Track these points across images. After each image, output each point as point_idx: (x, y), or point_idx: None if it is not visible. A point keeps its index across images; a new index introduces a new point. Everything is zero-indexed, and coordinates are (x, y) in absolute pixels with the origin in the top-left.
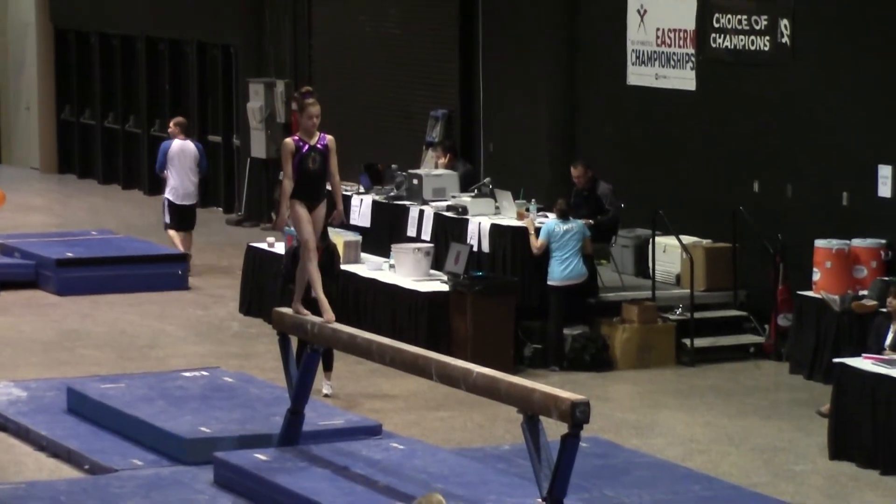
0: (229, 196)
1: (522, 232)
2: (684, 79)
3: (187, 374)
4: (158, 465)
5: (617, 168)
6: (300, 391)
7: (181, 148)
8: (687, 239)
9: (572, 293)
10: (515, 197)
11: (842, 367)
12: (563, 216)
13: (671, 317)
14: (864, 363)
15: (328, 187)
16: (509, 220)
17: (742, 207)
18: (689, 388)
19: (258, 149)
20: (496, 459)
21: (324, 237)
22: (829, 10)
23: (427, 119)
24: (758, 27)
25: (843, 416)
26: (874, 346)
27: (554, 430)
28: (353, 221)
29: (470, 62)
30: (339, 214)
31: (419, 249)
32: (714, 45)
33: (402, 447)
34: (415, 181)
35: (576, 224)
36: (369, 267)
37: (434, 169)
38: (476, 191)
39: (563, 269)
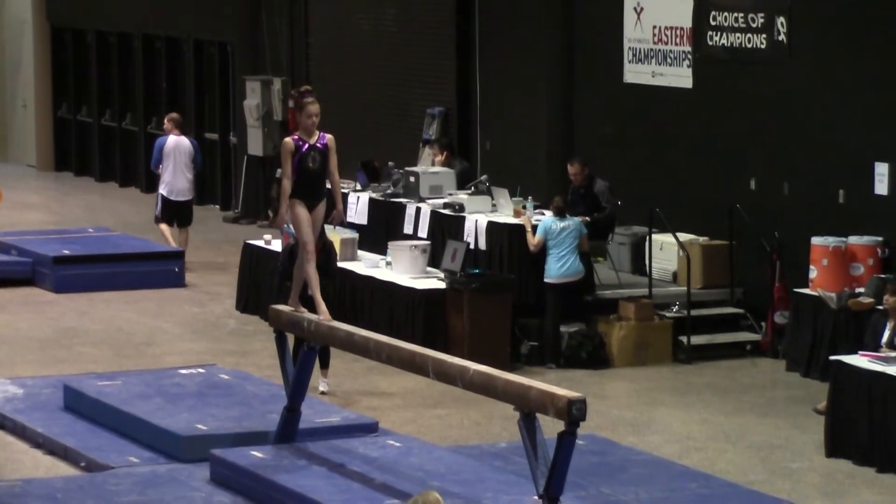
0: (226, 193)
1: (519, 229)
2: (681, 76)
3: (184, 371)
4: (155, 463)
5: (614, 165)
6: (297, 388)
7: (176, 144)
8: (684, 236)
9: (569, 290)
10: (512, 194)
11: (838, 364)
12: (560, 214)
13: (668, 314)
14: (860, 361)
15: (328, 186)
16: (506, 217)
17: (739, 205)
18: (685, 385)
19: (255, 146)
20: (493, 457)
21: (320, 235)
22: (825, 8)
23: (424, 116)
24: (754, 25)
25: (840, 413)
26: (871, 344)
27: (550, 427)
28: (349, 219)
29: (467, 60)
30: (338, 214)
31: (416, 247)
32: (711, 43)
33: (398, 445)
34: (412, 179)
35: (573, 221)
36: (366, 264)
37: (431, 166)
38: (473, 188)
39: (559, 267)
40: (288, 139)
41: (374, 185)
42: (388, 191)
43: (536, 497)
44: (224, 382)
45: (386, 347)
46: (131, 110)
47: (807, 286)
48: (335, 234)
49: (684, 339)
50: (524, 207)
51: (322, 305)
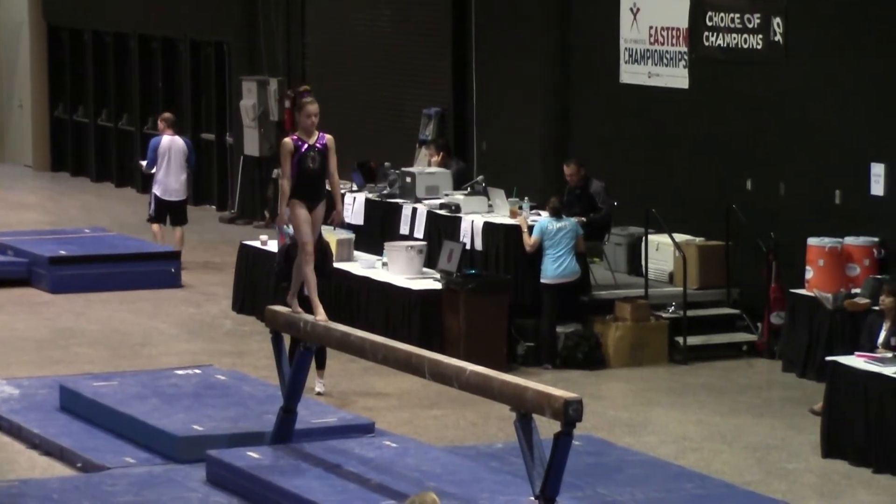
0: (222, 194)
1: (515, 230)
2: (677, 77)
3: (180, 371)
4: (151, 464)
5: (610, 166)
6: (293, 389)
7: (170, 144)
8: (680, 237)
9: (565, 291)
10: (508, 195)
11: (834, 365)
12: (556, 214)
13: (664, 315)
14: (856, 361)
15: (327, 187)
16: (502, 218)
17: (735, 205)
18: (681, 386)
19: (251, 147)
20: (489, 457)
21: (318, 236)
22: (821, 9)
23: (420, 117)
24: (750, 25)
25: (836, 414)
26: (867, 345)
27: (547, 428)
28: (345, 219)
29: (463, 60)
30: (338, 215)
31: (412, 247)
32: (707, 44)
33: (394, 445)
34: (408, 179)
35: (569, 222)
36: (362, 265)
37: (427, 167)
38: (469, 189)
39: (556, 267)
40: (287, 139)
41: (371, 186)
42: (385, 191)
43: (533, 498)
44: (220, 383)
45: (382, 348)
46: (128, 110)
47: (803, 287)
48: (331, 235)
49: (680, 339)
50: (520, 208)
51: (319, 307)
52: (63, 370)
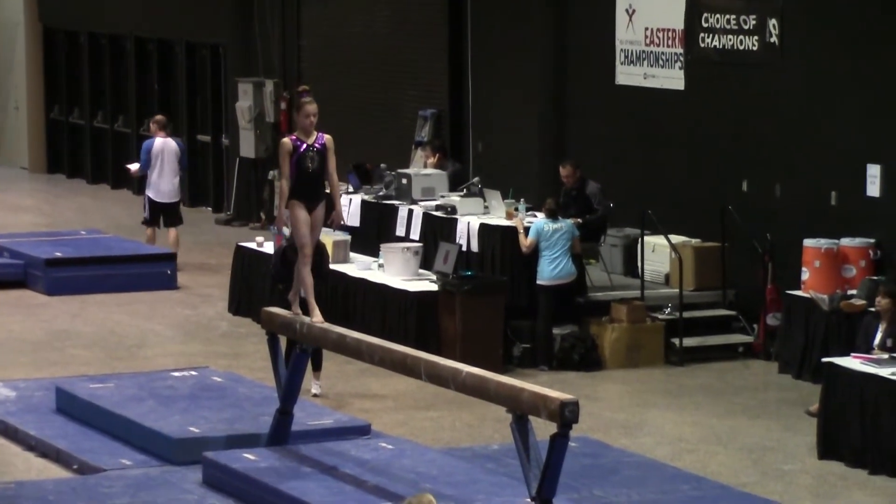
0: (218, 196)
1: (511, 231)
2: (673, 78)
3: (176, 373)
4: (147, 465)
5: (606, 167)
6: (289, 391)
7: (163, 146)
8: (676, 238)
9: (561, 292)
10: (504, 196)
11: (830, 366)
12: (552, 215)
13: (660, 316)
14: (852, 363)
15: (326, 188)
16: (498, 219)
17: (731, 207)
18: (677, 387)
19: (247, 148)
20: (485, 459)
21: None
22: (817, 10)
23: (416, 118)
24: (746, 27)
25: (832, 415)
26: (863, 346)
27: (543, 429)
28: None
29: (459, 62)
30: (338, 215)
31: (408, 249)
32: (702, 45)
33: (390, 447)
34: (404, 181)
35: (565, 223)
36: (358, 266)
37: (423, 168)
38: (465, 190)
39: (552, 269)
40: (286, 139)
41: (367, 187)
42: (381, 193)
43: (529, 499)
44: (216, 385)
45: (378, 350)
46: (123, 112)
47: (799, 288)
48: (328, 237)
49: (676, 341)
50: (516, 209)
51: (315, 309)
52: (59, 372)
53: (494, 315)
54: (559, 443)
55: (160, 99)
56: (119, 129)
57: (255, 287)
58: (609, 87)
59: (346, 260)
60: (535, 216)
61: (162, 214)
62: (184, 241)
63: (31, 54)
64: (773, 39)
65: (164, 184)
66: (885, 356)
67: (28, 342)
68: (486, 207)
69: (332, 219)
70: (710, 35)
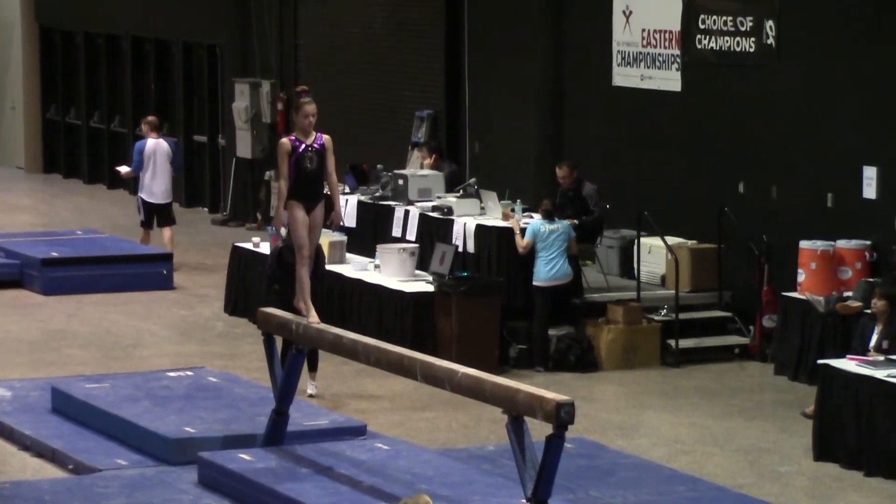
0: (214, 196)
1: (508, 232)
2: (670, 80)
3: (172, 374)
4: (143, 465)
5: (602, 169)
6: (285, 391)
7: (155, 146)
8: (672, 240)
9: (557, 294)
10: (501, 197)
11: (826, 368)
12: (549, 217)
13: (656, 317)
14: (848, 364)
15: (325, 189)
16: (495, 220)
17: (727, 208)
18: (673, 388)
19: (244, 149)
20: (481, 460)
21: None
22: (814, 12)
23: (413, 119)
24: (743, 28)
25: (828, 417)
26: (859, 348)
27: (539, 430)
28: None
29: (456, 62)
30: (337, 216)
31: (404, 250)
32: (699, 47)
33: (386, 448)
34: (400, 181)
35: (561, 224)
36: (354, 267)
37: (419, 169)
38: (461, 191)
39: (548, 270)
40: (284, 139)
41: (363, 188)
42: (377, 193)
43: (525, 500)
44: (212, 385)
45: (374, 350)
46: (120, 112)
47: (795, 290)
48: (323, 237)
49: (672, 342)
50: (513, 210)
51: (312, 310)
52: (55, 372)
53: (490, 316)
54: (555, 444)
55: (157, 99)
56: (115, 129)
57: (251, 287)
58: (606, 89)
59: (342, 260)
60: (532, 217)
61: (155, 215)
62: (180, 242)
63: (27, 54)
64: (770, 41)
65: (156, 185)
66: (881, 358)
67: (24, 342)
68: (482, 208)
69: (331, 219)
70: (707, 36)
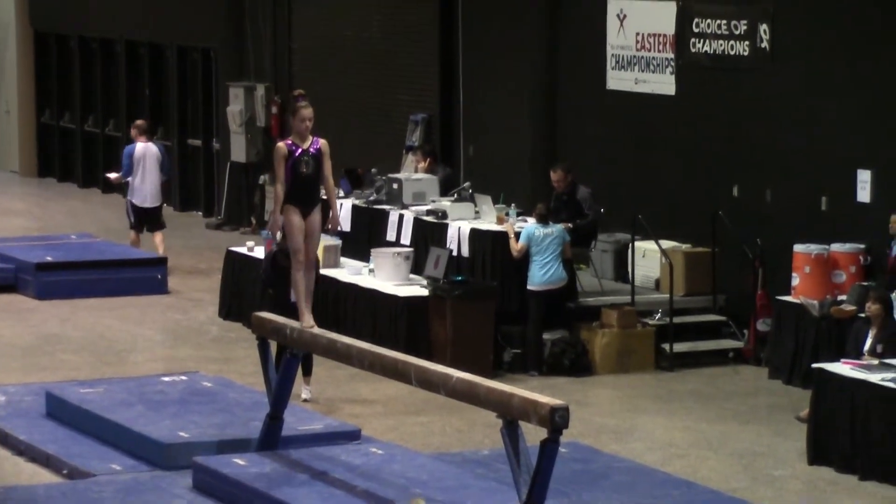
0: (209, 200)
1: (502, 236)
2: (664, 83)
3: (166, 378)
4: (137, 470)
5: (597, 172)
6: (279, 396)
7: (144, 150)
8: (666, 243)
9: (552, 298)
10: (495, 201)
11: (821, 372)
12: (543, 220)
13: (650, 321)
14: (842, 368)
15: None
16: (489, 224)
17: (721, 212)
18: (668, 392)
19: (238, 152)
20: (475, 464)
21: None
22: (808, 15)
23: (407, 123)
24: (737, 32)
25: (822, 421)
26: (853, 352)
27: (533, 434)
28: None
29: (450, 66)
30: (335, 220)
31: (399, 254)
32: (693, 50)
33: (381, 452)
34: (394, 185)
35: (556, 228)
36: (349, 271)
37: (414, 173)
38: (456, 195)
39: (543, 274)
40: (281, 144)
41: (357, 192)
42: (371, 197)
43: None
44: (206, 390)
45: (369, 355)
46: (114, 116)
47: (789, 293)
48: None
49: (667, 346)
50: (507, 214)
51: (307, 314)
52: (49, 377)
53: (485, 320)
54: (549, 448)
55: (151, 103)
56: (110, 132)
57: (245, 292)
58: (600, 92)
59: (336, 265)
60: (526, 221)
61: (145, 219)
62: (174, 246)
63: (21, 58)
64: (764, 44)
65: (146, 189)
66: (875, 362)
67: (18, 347)
68: (476, 212)
69: (329, 223)
70: (701, 40)
